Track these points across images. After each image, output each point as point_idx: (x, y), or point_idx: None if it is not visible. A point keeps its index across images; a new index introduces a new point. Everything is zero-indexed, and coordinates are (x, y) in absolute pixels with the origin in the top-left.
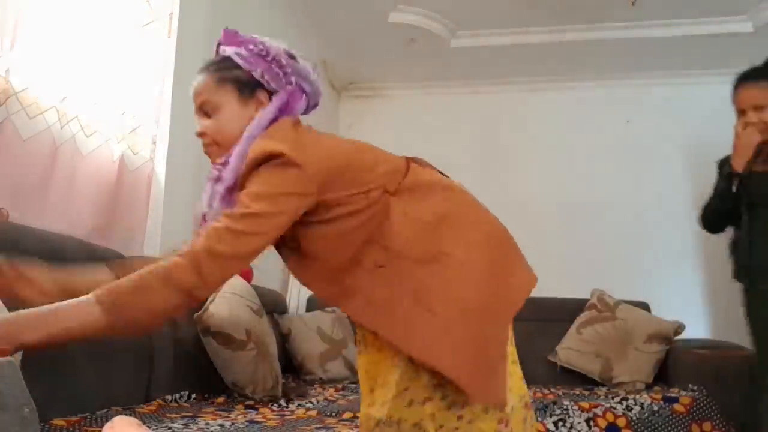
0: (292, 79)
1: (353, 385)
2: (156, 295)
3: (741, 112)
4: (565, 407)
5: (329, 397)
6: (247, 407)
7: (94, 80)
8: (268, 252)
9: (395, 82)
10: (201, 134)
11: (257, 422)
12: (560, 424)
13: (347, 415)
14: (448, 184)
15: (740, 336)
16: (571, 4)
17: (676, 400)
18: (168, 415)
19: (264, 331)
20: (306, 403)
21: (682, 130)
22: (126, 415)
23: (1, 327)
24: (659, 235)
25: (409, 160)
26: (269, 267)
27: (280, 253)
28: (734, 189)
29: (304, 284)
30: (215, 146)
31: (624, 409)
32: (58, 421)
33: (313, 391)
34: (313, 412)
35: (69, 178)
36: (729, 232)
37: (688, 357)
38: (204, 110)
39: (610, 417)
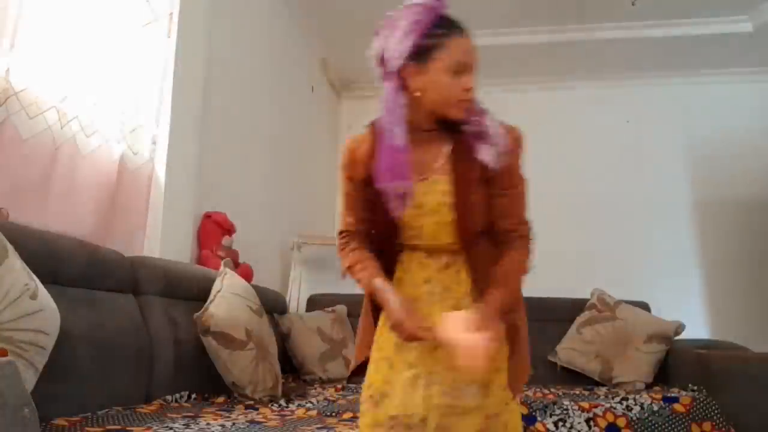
0: None
1: (353, 385)
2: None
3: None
4: (565, 407)
5: (329, 397)
6: (247, 407)
7: (94, 80)
8: (268, 252)
9: None
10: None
11: (258, 422)
12: (560, 423)
13: (347, 415)
14: None
15: (740, 336)
16: (571, 4)
17: (676, 400)
18: (169, 415)
19: (264, 331)
20: (306, 403)
21: (682, 129)
22: (127, 414)
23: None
24: (659, 235)
25: None
26: (269, 267)
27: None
28: None
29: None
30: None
31: (624, 409)
32: (59, 421)
33: (313, 391)
34: (313, 412)
35: (69, 178)
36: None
37: (688, 357)
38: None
39: (610, 417)
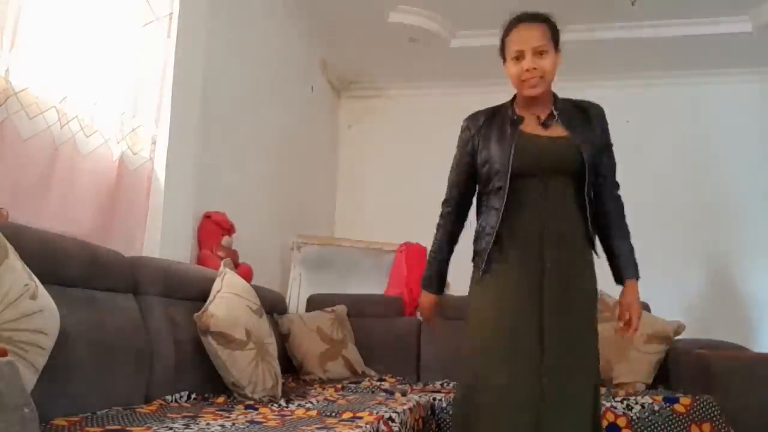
0: None
1: (353, 385)
2: None
3: (518, 56)
4: None
5: (329, 397)
6: (247, 407)
7: (94, 80)
8: (268, 252)
9: (395, 82)
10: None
11: (257, 422)
12: None
13: (347, 415)
14: None
15: (740, 336)
16: (571, 4)
17: (676, 400)
18: (169, 415)
19: (264, 331)
20: (306, 403)
21: (682, 129)
22: (127, 414)
23: None
24: (659, 235)
25: None
26: (269, 267)
27: None
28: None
29: None
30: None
31: (624, 409)
32: (59, 421)
33: (313, 391)
34: (313, 412)
35: (69, 178)
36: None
37: (688, 357)
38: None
39: (610, 417)
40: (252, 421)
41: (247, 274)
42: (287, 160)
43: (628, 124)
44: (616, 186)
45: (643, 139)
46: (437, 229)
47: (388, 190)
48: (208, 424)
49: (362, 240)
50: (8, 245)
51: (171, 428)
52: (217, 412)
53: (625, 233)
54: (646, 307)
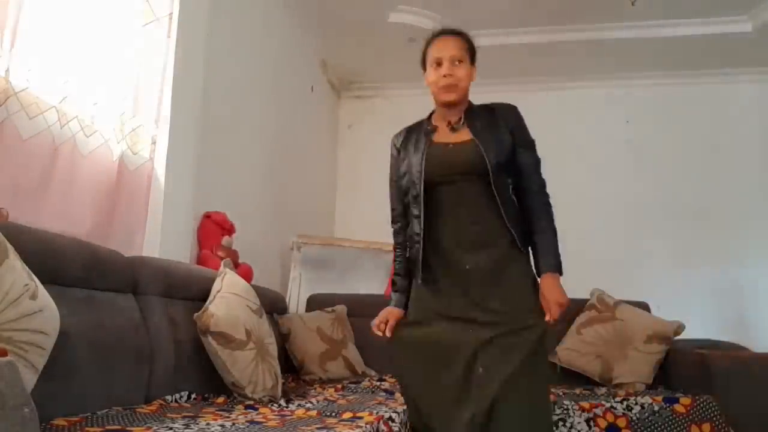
0: None
1: (353, 385)
2: None
3: (437, 63)
4: (565, 407)
5: (329, 397)
6: (247, 407)
7: (94, 80)
8: (268, 252)
9: (395, 82)
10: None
11: (257, 422)
12: (560, 423)
13: (347, 415)
14: None
15: (740, 336)
16: (571, 4)
17: (676, 400)
18: (169, 415)
19: (264, 331)
20: (306, 403)
21: (682, 129)
22: (127, 414)
23: None
24: (659, 235)
25: None
26: (269, 267)
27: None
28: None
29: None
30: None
31: (624, 409)
32: (59, 421)
33: (313, 391)
34: (313, 412)
35: (69, 178)
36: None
37: (688, 357)
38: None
39: (610, 417)
40: (252, 421)
41: (247, 274)
42: (287, 160)
43: (628, 124)
44: (538, 182)
45: (643, 139)
46: (394, 250)
47: (388, 190)
48: (208, 424)
49: (362, 240)
50: (8, 245)
51: (171, 428)
52: (217, 412)
53: (544, 227)
54: (644, 307)
